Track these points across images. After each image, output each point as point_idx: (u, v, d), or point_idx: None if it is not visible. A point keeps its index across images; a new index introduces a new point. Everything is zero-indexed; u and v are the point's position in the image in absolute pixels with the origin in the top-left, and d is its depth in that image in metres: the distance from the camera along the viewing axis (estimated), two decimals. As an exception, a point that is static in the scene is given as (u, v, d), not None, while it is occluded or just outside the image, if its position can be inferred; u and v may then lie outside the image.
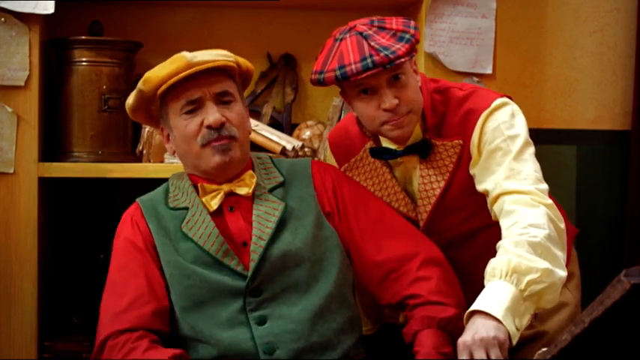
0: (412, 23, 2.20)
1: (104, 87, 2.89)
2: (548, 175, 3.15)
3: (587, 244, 3.52)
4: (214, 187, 2.21)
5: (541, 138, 3.37)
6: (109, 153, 2.91)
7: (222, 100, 2.20)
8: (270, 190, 2.23)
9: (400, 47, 2.12)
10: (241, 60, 2.28)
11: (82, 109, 2.90)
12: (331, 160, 2.48)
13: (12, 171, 2.79)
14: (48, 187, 2.93)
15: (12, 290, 2.80)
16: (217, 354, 2.08)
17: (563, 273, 2.03)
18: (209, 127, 2.16)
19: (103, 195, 3.16)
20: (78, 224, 3.17)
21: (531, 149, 2.22)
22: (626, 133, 3.51)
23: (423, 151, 2.29)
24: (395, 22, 2.19)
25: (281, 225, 2.18)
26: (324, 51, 2.21)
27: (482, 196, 2.23)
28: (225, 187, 2.21)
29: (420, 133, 2.29)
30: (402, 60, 2.12)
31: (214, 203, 2.19)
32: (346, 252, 2.25)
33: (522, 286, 1.97)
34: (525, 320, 1.98)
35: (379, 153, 2.34)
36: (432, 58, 2.97)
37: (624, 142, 3.50)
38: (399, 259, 2.19)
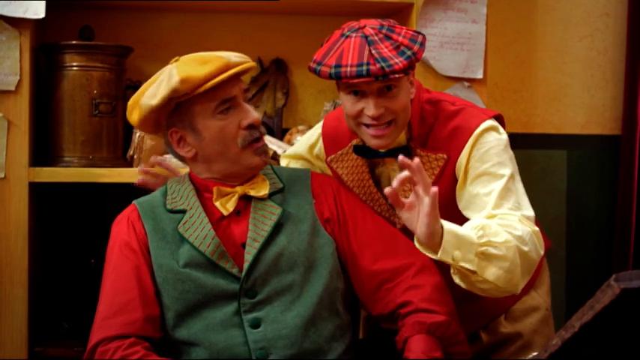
0: (420, 38, 2.20)
1: (95, 92, 2.89)
2: (538, 180, 3.17)
3: (577, 249, 3.53)
4: (229, 189, 2.21)
5: (531, 143, 3.39)
6: (100, 158, 2.91)
7: (246, 97, 2.23)
8: (270, 196, 2.23)
9: (398, 62, 2.12)
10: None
11: (73, 114, 2.89)
12: (318, 144, 2.50)
13: (2, 176, 2.78)
14: (38, 192, 2.93)
15: (2, 296, 2.79)
16: (210, 357, 2.08)
17: (518, 282, 2.08)
18: (250, 126, 2.18)
19: (94, 200, 3.16)
20: (69, 229, 3.16)
21: (518, 177, 2.24)
22: (616, 138, 3.53)
23: (404, 155, 2.29)
24: (403, 34, 2.18)
25: (277, 229, 2.18)
26: (329, 42, 2.22)
27: (458, 213, 2.24)
28: (240, 190, 2.21)
29: (404, 139, 2.30)
30: (396, 76, 2.13)
31: (230, 206, 2.19)
32: (343, 261, 2.26)
33: (482, 240, 2.01)
34: (464, 264, 2.00)
35: (363, 151, 2.35)
36: (423, 63, 2.97)
37: (614, 147, 3.52)
38: (395, 270, 2.20)
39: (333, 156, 2.44)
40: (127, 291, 2.11)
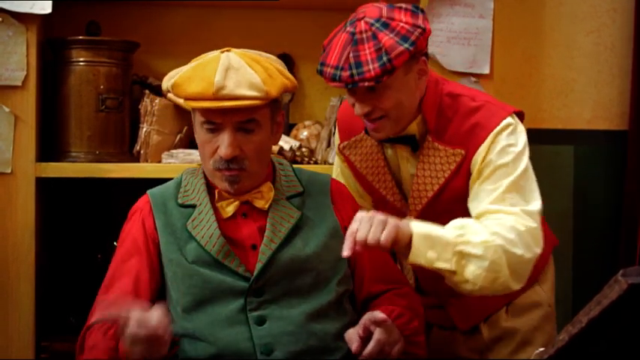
0: (414, 35, 2.11)
1: (101, 87, 2.89)
2: (545, 176, 3.16)
3: (584, 244, 3.53)
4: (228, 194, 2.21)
5: (538, 138, 3.38)
6: (107, 153, 2.91)
7: (244, 127, 2.12)
8: (288, 198, 2.23)
9: (371, 69, 2.07)
10: (279, 83, 2.15)
11: (80, 109, 2.90)
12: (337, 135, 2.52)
13: (9, 171, 2.79)
14: (45, 187, 2.93)
15: (9, 290, 2.80)
16: (215, 352, 2.09)
17: (504, 277, 2.08)
18: (220, 157, 2.13)
19: (101, 195, 3.16)
20: (75, 224, 3.17)
21: (530, 172, 2.22)
22: (623, 133, 3.52)
23: (413, 145, 2.29)
24: (399, 28, 2.11)
25: (294, 232, 2.18)
26: (334, 30, 2.19)
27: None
28: (241, 197, 2.20)
29: (415, 129, 2.28)
30: (366, 84, 2.08)
31: (229, 210, 2.19)
32: (351, 268, 2.27)
33: (460, 240, 2.04)
34: (440, 264, 2.03)
35: None
36: (430, 59, 2.96)
37: (621, 142, 3.51)
38: (381, 292, 2.26)
39: (346, 142, 2.43)
40: (122, 286, 2.14)
